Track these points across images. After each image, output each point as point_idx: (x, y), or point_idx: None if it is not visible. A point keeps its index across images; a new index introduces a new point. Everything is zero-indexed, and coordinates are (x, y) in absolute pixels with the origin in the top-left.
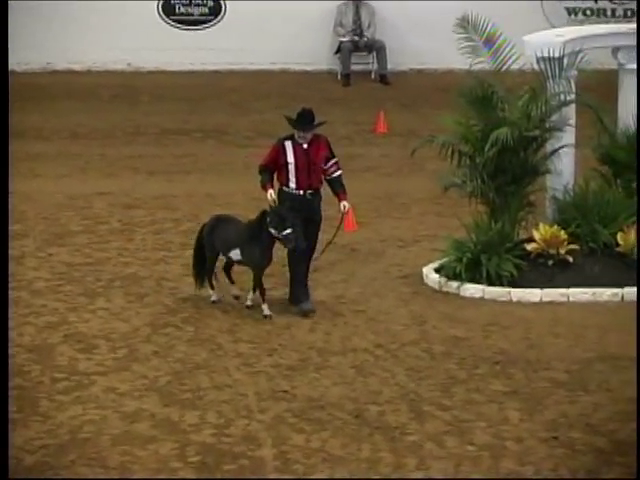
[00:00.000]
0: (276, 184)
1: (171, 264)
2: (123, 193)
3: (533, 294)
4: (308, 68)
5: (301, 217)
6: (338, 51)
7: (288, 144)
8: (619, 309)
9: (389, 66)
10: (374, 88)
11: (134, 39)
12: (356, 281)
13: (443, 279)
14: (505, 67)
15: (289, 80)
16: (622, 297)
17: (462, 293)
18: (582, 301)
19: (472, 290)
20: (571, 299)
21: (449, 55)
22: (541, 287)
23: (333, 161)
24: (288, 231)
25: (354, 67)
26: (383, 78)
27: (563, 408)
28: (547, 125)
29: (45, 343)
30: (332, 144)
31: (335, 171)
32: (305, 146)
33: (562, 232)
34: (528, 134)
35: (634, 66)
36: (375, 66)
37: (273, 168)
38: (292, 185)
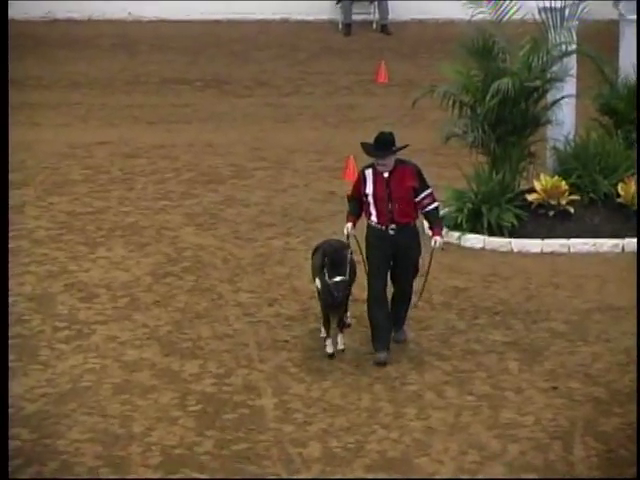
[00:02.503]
0: None
1: (172, 214)
2: (123, 142)
3: (534, 245)
4: (309, 18)
5: (388, 254)
6: (339, 1)
7: (369, 173)
8: (619, 260)
9: (390, 16)
10: (375, 38)
11: None
12: (356, 228)
13: (444, 229)
14: (506, 17)
15: (290, 30)
16: (622, 248)
17: (463, 243)
18: (582, 252)
19: (473, 240)
20: (571, 250)
21: (450, 5)
22: (542, 238)
23: (426, 192)
24: (337, 279)
25: (355, 17)
26: (384, 28)
27: (562, 358)
28: (548, 75)
29: (46, 292)
30: (334, 94)
31: (429, 204)
32: (386, 175)
33: (563, 183)
34: (529, 84)
35: (634, 17)
36: (376, 16)
37: (359, 199)
38: (373, 219)
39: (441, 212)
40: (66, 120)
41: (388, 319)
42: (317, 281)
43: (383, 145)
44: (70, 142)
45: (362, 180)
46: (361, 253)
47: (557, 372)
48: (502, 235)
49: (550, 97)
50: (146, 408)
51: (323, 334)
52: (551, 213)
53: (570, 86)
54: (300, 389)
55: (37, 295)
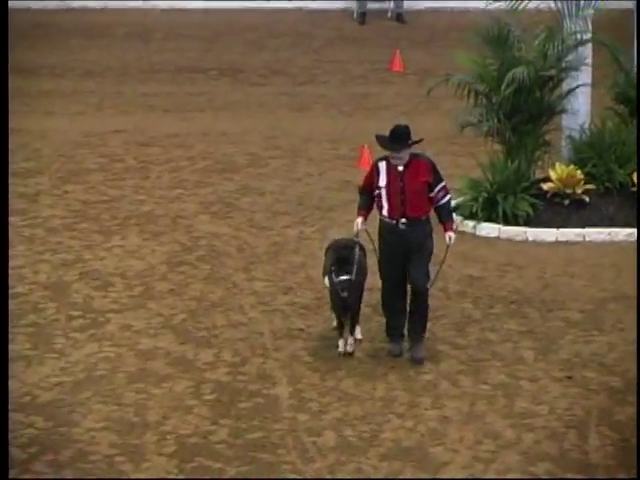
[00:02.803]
0: None
1: (187, 202)
2: (138, 131)
3: (549, 234)
4: (324, 6)
5: (398, 250)
6: None
7: (382, 165)
8: (634, 249)
9: (405, 5)
10: (390, 27)
11: None
12: (371, 220)
13: (459, 218)
14: (521, 6)
15: (304, 18)
16: (637, 237)
17: (478, 232)
18: (597, 241)
19: (488, 229)
20: (586, 239)
21: None
22: (557, 227)
23: (440, 186)
24: (342, 278)
25: (370, 6)
26: (399, 17)
27: (577, 348)
28: (563, 64)
29: (61, 281)
30: (349, 83)
31: (443, 197)
32: (400, 169)
33: (578, 172)
34: (544, 73)
35: None
36: (391, 5)
37: (371, 191)
38: (384, 213)
39: (456, 201)
40: (81, 108)
41: (402, 312)
42: (326, 280)
43: (398, 138)
44: (85, 131)
45: (375, 172)
46: (373, 247)
47: (572, 361)
48: (517, 224)
49: (565, 86)
50: (161, 397)
51: (334, 325)
52: (566, 202)
53: (585, 75)
54: (315, 378)
55: (52, 283)
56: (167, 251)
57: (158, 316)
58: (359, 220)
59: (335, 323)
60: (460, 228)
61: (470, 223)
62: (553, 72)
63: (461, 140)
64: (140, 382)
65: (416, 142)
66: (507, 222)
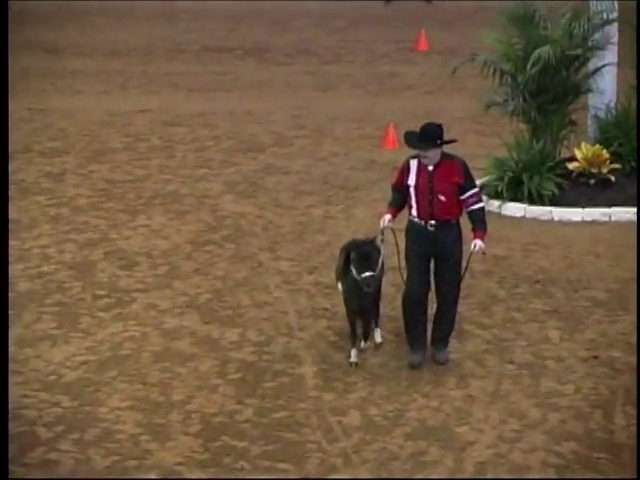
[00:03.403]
0: None
1: (212, 181)
2: (163, 110)
3: (574, 213)
4: None
5: (426, 252)
6: None
7: (413, 163)
8: None
9: None
10: (415, 6)
11: None
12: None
13: (484, 198)
14: None
15: None
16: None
17: (503, 212)
18: (623, 220)
19: (513, 209)
20: (612, 218)
21: None
22: (582, 206)
23: (472, 192)
24: (367, 274)
25: None
26: None
27: (603, 327)
28: (589, 43)
29: (86, 260)
30: (374, 63)
31: (475, 203)
32: (430, 168)
33: (604, 151)
34: (570, 52)
35: None
36: None
37: (402, 189)
38: (413, 213)
39: (481, 180)
40: (106, 88)
41: (424, 318)
42: (340, 285)
43: (427, 137)
44: (110, 110)
45: (406, 170)
46: (397, 247)
47: (598, 341)
48: (542, 204)
49: (591, 65)
50: (186, 376)
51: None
52: (592, 182)
53: (611, 54)
54: (340, 357)
55: (77, 263)
56: (192, 230)
57: (183, 295)
58: (387, 217)
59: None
60: (485, 208)
61: (495, 203)
62: (579, 51)
63: (486, 119)
64: (165, 361)
65: (447, 142)
66: (532, 202)
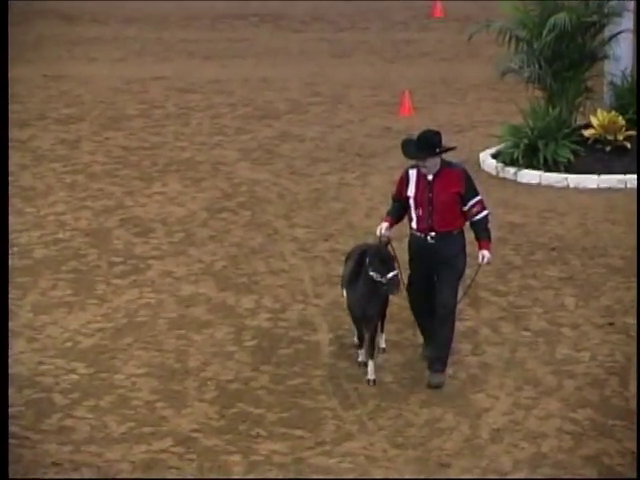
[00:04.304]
0: None
1: (227, 149)
2: (178, 77)
3: (590, 180)
4: None
5: (427, 265)
6: None
7: (413, 173)
8: None
9: None
10: None
11: None
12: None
13: (500, 165)
14: None
15: None
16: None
17: (519, 179)
18: None
19: (529, 176)
20: (628, 185)
21: None
22: (598, 173)
23: (475, 200)
24: (392, 274)
25: None
26: None
27: (619, 294)
28: (605, 10)
29: (102, 227)
30: (390, 30)
31: (478, 212)
32: (429, 178)
33: (620, 118)
34: (586, 19)
35: None
36: None
37: (401, 200)
38: (413, 225)
39: (497, 147)
40: (121, 55)
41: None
42: (345, 292)
43: (424, 146)
44: (125, 77)
45: (405, 181)
46: (397, 261)
47: (613, 308)
48: (558, 171)
49: (607, 32)
50: (202, 343)
51: (356, 342)
52: (608, 148)
53: (627, 21)
54: None
55: (93, 230)
56: (208, 197)
57: (199, 262)
58: (384, 225)
59: (356, 338)
60: (501, 175)
61: (511, 170)
62: (595, 18)
63: (502, 86)
64: (181, 328)
65: (445, 150)
66: (548, 169)
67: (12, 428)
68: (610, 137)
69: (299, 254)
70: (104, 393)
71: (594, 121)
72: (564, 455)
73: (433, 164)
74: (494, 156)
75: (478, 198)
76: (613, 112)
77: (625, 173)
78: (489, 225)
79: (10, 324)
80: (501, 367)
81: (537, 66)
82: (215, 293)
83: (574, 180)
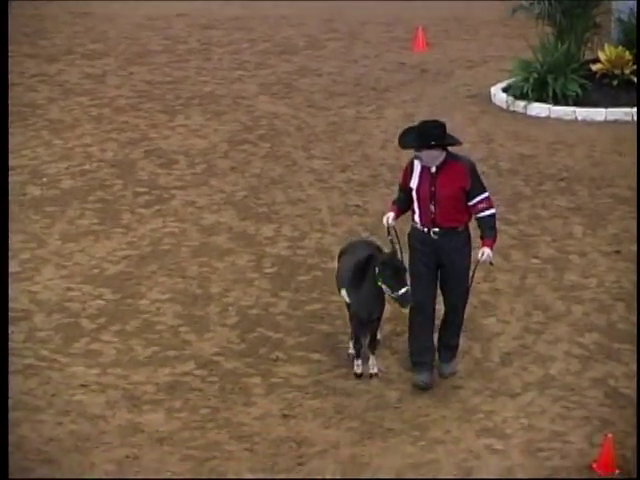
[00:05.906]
0: None
1: (247, 83)
2: (201, 14)
3: (597, 113)
4: None
5: (431, 261)
6: None
7: (417, 165)
8: None
9: None
10: None
11: None
12: (426, 100)
13: (510, 98)
14: None
15: None
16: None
17: (528, 112)
18: None
19: (538, 109)
20: (635, 118)
21: None
22: (605, 106)
23: (482, 197)
24: (404, 290)
25: None
26: None
27: (625, 223)
28: None
29: (127, 158)
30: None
31: (485, 209)
32: (433, 170)
33: (627, 53)
34: None
35: None
36: None
37: (407, 191)
38: (416, 219)
39: (508, 81)
40: None
41: (430, 333)
42: (345, 293)
43: (421, 136)
44: (149, 14)
45: (409, 171)
46: (401, 252)
47: (620, 236)
48: (567, 104)
49: None
50: (223, 270)
51: (351, 351)
52: (615, 82)
53: None
54: None
55: (118, 161)
56: (229, 130)
57: (220, 192)
58: (390, 215)
59: (351, 349)
60: (511, 108)
61: (521, 103)
62: None
63: (513, 23)
64: (203, 256)
65: (447, 144)
66: (557, 102)
67: (42, 351)
68: (617, 71)
69: (317, 184)
70: (129, 318)
71: (602, 56)
72: (572, 377)
73: (431, 157)
74: (505, 90)
75: (485, 195)
76: (620, 47)
77: (632, 106)
78: (496, 225)
79: (39, 252)
80: (511, 293)
81: (547, 3)
82: (236, 222)
83: (582, 113)
